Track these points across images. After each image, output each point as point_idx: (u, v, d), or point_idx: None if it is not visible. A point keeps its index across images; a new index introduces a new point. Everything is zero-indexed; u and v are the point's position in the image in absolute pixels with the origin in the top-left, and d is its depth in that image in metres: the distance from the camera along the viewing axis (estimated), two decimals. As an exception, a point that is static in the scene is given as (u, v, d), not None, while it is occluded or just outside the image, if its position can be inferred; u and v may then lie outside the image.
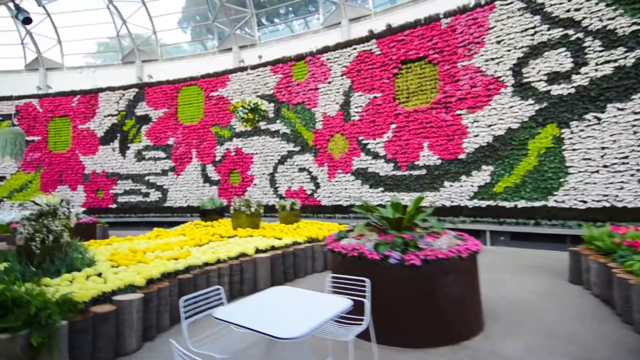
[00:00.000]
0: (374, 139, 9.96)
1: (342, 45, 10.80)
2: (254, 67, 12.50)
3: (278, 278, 5.55)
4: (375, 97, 10.02)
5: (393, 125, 9.67)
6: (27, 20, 10.20)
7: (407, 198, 9.32)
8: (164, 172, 13.51)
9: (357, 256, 3.58)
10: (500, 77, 8.24)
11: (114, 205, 13.78)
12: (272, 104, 11.92)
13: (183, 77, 13.78)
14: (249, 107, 8.11)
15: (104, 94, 14.48)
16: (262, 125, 12.06)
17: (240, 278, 5.09)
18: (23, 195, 14.39)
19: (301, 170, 11.26)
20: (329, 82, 10.90)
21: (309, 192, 11.02)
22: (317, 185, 10.93)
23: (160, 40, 18.90)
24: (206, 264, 4.81)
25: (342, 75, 10.67)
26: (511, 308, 4.26)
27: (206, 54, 18.04)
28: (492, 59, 8.39)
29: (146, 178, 13.68)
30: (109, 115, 14.30)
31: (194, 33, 21.47)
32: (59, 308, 2.98)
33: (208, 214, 9.02)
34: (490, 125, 8.30)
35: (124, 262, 4.56)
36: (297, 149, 11.40)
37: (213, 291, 2.86)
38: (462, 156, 8.63)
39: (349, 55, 10.59)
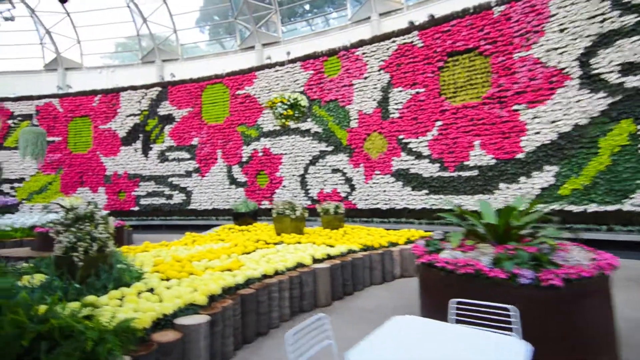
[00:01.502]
0: (417, 138, 9.27)
1: (379, 38, 10.15)
2: (282, 64, 11.92)
3: (337, 292, 4.89)
4: (417, 93, 9.34)
5: (438, 123, 8.97)
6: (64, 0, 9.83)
7: (456, 201, 8.59)
8: (188, 174, 12.99)
9: (472, 274, 2.90)
10: (564, 68, 7.50)
11: (136, 208, 13.30)
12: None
13: (207, 75, 13.27)
14: (289, 103, 7.50)
15: (125, 93, 14.05)
16: (292, 123, 11.43)
17: (300, 292, 4.44)
18: (43, 197, 14.01)
19: (334, 171, 10.62)
20: (365, 78, 10.25)
21: (343, 195, 10.36)
22: (353, 188, 10.26)
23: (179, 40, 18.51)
24: (264, 276, 4.18)
25: (379, 70, 10.01)
26: (635, 330, 3.54)
27: (227, 53, 17.58)
28: (555, 49, 7.64)
29: (169, 180, 13.17)
30: (131, 115, 13.85)
31: (212, 33, 21.09)
32: (118, 339, 2.37)
33: (242, 217, 8.42)
34: (553, 122, 7.54)
35: (172, 273, 3.95)
36: (329, 148, 10.76)
37: (315, 321, 2.21)
38: (520, 155, 7.88)
39: (388, 49, 9.93)
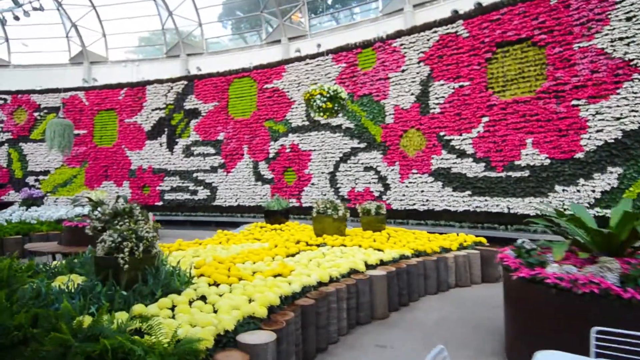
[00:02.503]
0: (460, 135, 8.67)
1: (419, 28, 9.57)
2: (312, 57, 11.46)
3: (394, 302, 4.39)
4: (461, 86, 8.73)
5: (485, 119, 8.35)
6: None
7: (503, 204, 7.97)
8: (213, 169, 12.68)
9: (597, 294, 2.36)
10: (632, 60, 6.79)
11: (160, 203, 13.07)
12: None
13: (235, 68, 12.92)
14: (328, 95, 7.03)
15: (151, 86, 13.84)
16: (322, 119, 10.96)
17: (357, 302, 3.97)
18: (67, 190, 13.95)
19: (367, 169, 10.10)
20: (403, 71, 9.69)
21: (376, 194, 9.83)
22: (387, 187, 9.73)
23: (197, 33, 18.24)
24: (320, 284, 3.72)
25: (419, 62, 9.44)
26: None
27: (252, 47, 17.24)
28: (620, 39, 6.94)
29: (194, 175, 12.89)
30: (156, 109, 13.63)
31: (234, 27, 20.80)
32: (181, 363, 1.94)
33: (273, 215, 8.00)
34: (618, 118, 6.85)
35: (220, 278, 3.53)
36: (362, 145, 10.24)
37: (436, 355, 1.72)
38: (579, 155, 7.21)
39: (428, 40, 9.34)
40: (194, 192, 12.83)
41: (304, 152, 11.26)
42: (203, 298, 3.00)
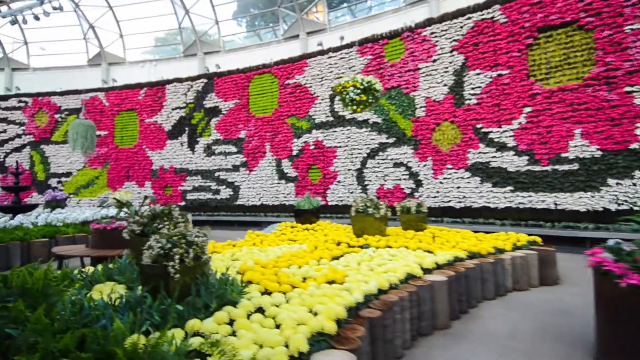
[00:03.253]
0: (499, 127, 8.16)
1: (451, 15, 9.07)
2: (336, 49, 11.06)
3: (454, 310, 3.99)
4: (499, 75, 8.22)
5: (527, 109, 7.82)
6: None
7: (549, 200, 7.45)
8: (235, 168, 12.42)
9: None
10: (697, 39, 6.20)
11: (183, 203, 12.89)
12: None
13: (255, 64, 12.62)
14: (362, 87, 6.63)
15: (171, 85, 13.66)
16: (347, 114, 10.58)
17: (418, 311, 3.58)
18: (90, 191, 13.91)
19: (397, 165, 9.67)
20: (434, 61, 9.22)
21: (407, 191, 9.40)
22: (419, 183, 9.28)
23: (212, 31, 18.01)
24: (380, 291, 3.35)
25: (451, 52, 8.95)
26: None
27: (270, 43, 16.93)
28: (683, 17, 6.35)
29: (216, 174, 12.67)
30: (176, 108, 13.46)
31: (249, 25, 20.54)
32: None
33: (304, 214, 7.66)
34: (682, 104, 6.27)
35: (272, 285, 3.19)
36: (391, 140, 9.81)
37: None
38: (634, 145, 6.65)
39: (461, 27, 8.84)
40: (216, 192, 12.61)
41: (329, 149, 10.89)
42: (259, 310, 2.66)
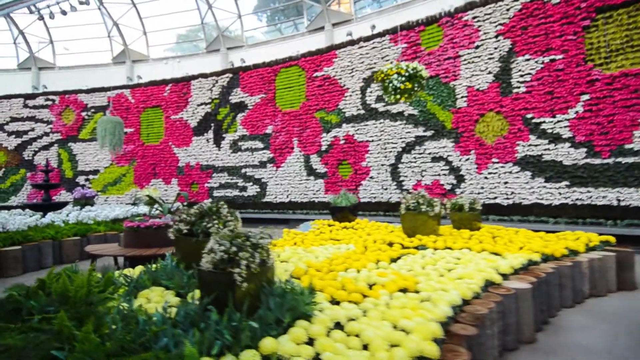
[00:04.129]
0: (553, 117, 7.51)
1: (496, -2, 8.43)
2: (367, 39, 10.55)
3: (537, 321, 3.49)
4: (552, 60, 7.56)
5: (585, 97, 7.15)
6: None
7: (611, 195, 6.78)
8: (262, 164, 12.11)
9: None
10: None
11: (209, 200, 12.66)
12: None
13: (281, 57, 12.25)
14: (407, 74, 6.14)
15: (196, 81, 13.45)
16: (380, 106, 10.08)
17: (503, 323, 3.11)
18: (117, 189, 13.88)
19: (435, 159, 9.12)
20: (477, 47, 8.61)
21: (447, 187, 8.84)
22: (460, 179, 8.72)
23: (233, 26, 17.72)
24: (464, 302, 2.89)
25: (497, 37, 8.32)
26: None
27: (295, 36, 16.53)
28: None
29: (243, 170, 12.39)
30: (202, 104, 13.23)
31: (270, 19, 20.19)
32: None
33: (340, 212, 7.24)
34: None
35: (338, 294, 2.79)
36: (429, 133, 9.26)
37: None
38: None
39: (508, 10, 8.20)
40: (243, 189, 12.33)
41: (361, 143, 10.42)
42: (343, 327, 2.25)
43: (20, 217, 7.53)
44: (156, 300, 2.86)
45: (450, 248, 4.59)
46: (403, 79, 6.13)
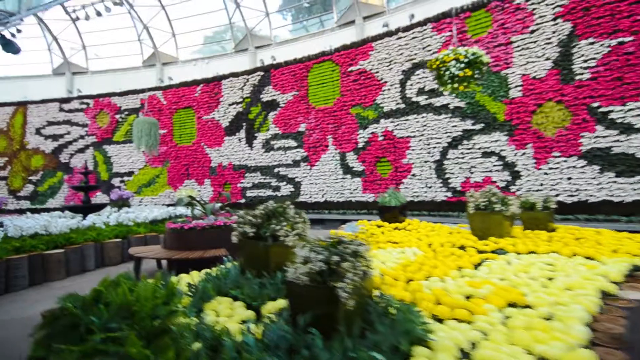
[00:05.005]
0: (623, 105, 6.78)
1: (553, -22, 7.74)
2: (406, 29, 10.02)
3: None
4: (621, 43, 6.82)
5: (665, 80, 6.40)
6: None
7: (702, 190, 6.02)
8: (296, 163, 11.78)
9: None
10: None
11: (243, 200, 12.49)
12: (435, 72, 9.31)
13: (313, 53, 11.88)
14: (466, 60, 5.61)
15: (227, 80, 13.29)
16: (423, 99, 9.53)
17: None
18: (151, 190, 13.91)
19: (487, 154, 8.50)
20: (532, 32, 7.94)
21: (501, 184, 8.21)
22: (516, 175, 8.07)
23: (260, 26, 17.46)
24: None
25: (554, 19, 7.63)
26: None
27: (324, 32, 16.13)
28: None
29: (276, 170, 12.10)
30: (233, 104, 13.05)
31: (294, 17, 19.87)
32: None
33: (390, 211, 6.78)
34: None
35: (440, 310, 2.35)
36: (478, 127, 8.65)
37: None
38: None
39: (567, -10, 7.50)
40: (277, 188, 12.04)
41: (401, 139, 9.90)
42: (468, 355, 1.81)
43: (63, 219, 7.47)
44: (226, 314, 2.52)
45: (534, 252, 4.06)
46: (462, 65, 5.61)
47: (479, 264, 3.71)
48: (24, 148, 15.57)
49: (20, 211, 14.00)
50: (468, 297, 2.70)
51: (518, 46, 8.09)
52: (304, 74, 11.94)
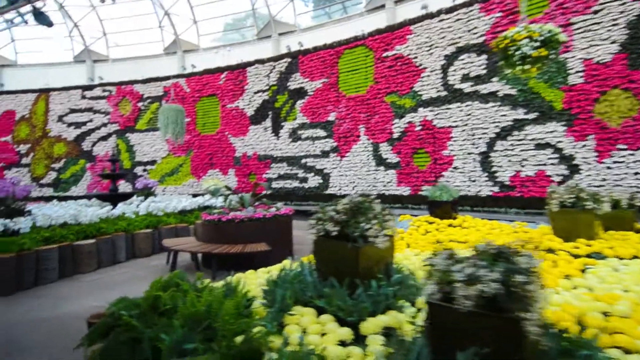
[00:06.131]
0: None
1: (624, -50, 6.97)
2: (449, 10, 9.33)
3: None
4: None
5: None
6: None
7: None
8: (325, 154, 11.28)
9: None
10: None
11: (268, 191, 12.07)
12: (484, 56, 8.65)
13: (345, 38, 11.28)
14: (541, 38, 4.97)
15: (252, 68, 12.81)
16: (467, 86, 8.88)
17: None
18: (174, 179, 13.62)
19: (540, 146, 7.83)
20: (595, 12, 7.20)
21: (557, 179, 7.56)
22: (574, 169, 7.40)
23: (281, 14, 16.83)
24: None
25: (624, -2, 6.88)
26: None
27: (351, 17, 15.41)
28: None
29: (303, 161, 11.63)
30: (259, 92, 12.58)
31: (315, 4, 19.17)
32: None
33: (441, 206, 6.23)
34: None
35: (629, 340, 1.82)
36: (531, 116, 7.98)
37: None
38: None
39: (641, -36, 6.74)
40: (304, 180, 11.58)
41: (441, 130, 9.29)
42: None
43: (92, 208, 7.16)
44: (314, 330, 2.04)
45: (638, 257, 3.48)
46: (537, 44, 4.97)
47: (582, 270, 3.17)
48: (47, 135, 15.45)
49: (43, 199, 13.90)
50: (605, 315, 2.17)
51: (579, 28, 7.36)
52: (334, 60, 11.36)
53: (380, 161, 10.32)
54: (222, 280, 3.06)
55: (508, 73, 5.31)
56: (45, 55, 20.41)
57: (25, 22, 9.25)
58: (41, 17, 8.67)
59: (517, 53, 5.05)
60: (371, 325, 2.03)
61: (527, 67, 5.06)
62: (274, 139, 12.15)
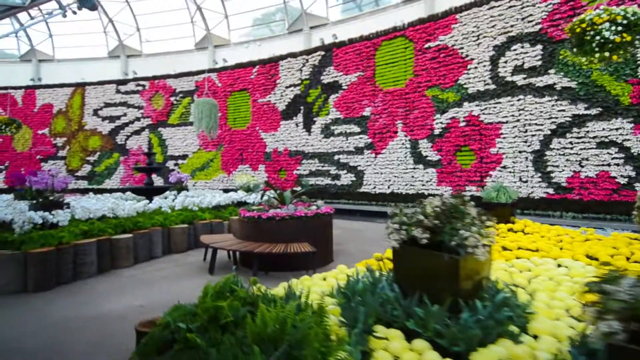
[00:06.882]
0: None
1: None
2: (499, -2, 8.68)
3: None
4: None
5: None
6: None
7: None
8: (359, 151, 10.85)
9: None
10: None
11: (299, 188, 11.76)
12: (540, 46, 7.96)
13: (383, 29, 10.79)
14: (625, 22, 4.37)
15: (284, 62, 12.52)
16: (520, 79, 8.23)
17: None
18: (205, 174, 13.57)
19: (603, 145, 7.13)
20: (676, -5, 6.42)
21: (622, 181, 6.84)
22: (643, 170, 6.69)
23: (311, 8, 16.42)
24: None
25: None
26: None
27: (386, 8, 14.86)
28: None
29: (336, 157, 11.25)
30: (290, 86, 12.28)
31: (344, -3, 18.63)
32: None
33: (498, 209, 5.70)
34: None
35: None
36: (593, 111, 7.27)
37: None
38: None
39: None
40: (336, 177, 11.20)
41: (489, 126, 8.67)
42: None
43: (130, 202, 7.05)
44: (409, 360, 1.67)
45: None
46: (620, 28, 4.37)
47: None
48: (82, 129, 15.77)
49: (78, 191, 14.17)
50: None
51: (656, 12, 6.59)
52: (370, 52, 10.89)
53: (419, 159, 9.80)
54: (279, 287, 2.74)
55: (583, 61, 4.73)
56: (81, 50, 20.94)
57: (64, 13, 9.27)
58: (86, 1, 8.70)
59: (596, 38, 4.46)
60: (484, 358, 1.63)
61: (606, 54, 4.47)
62: (305, 135, 11.83)
